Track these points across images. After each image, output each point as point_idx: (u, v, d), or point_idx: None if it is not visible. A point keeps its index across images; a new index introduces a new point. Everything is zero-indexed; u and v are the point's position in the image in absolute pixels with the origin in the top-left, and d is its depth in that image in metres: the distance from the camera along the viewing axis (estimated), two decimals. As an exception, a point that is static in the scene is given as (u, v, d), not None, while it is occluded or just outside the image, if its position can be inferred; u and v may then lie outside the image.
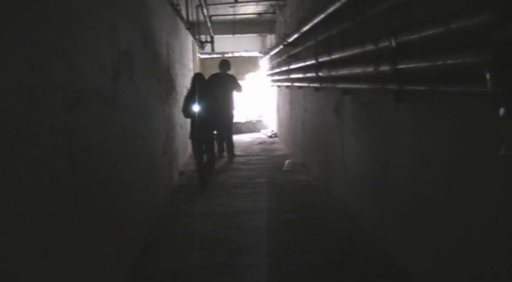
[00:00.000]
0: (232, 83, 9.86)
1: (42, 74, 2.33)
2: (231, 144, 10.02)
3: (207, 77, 8.18)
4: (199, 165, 7.32)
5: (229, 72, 9.97)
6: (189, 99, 7.27)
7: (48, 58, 2.41)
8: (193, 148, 7.40)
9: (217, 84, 9.14)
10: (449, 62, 2.65)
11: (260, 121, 16.00)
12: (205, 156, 7.57)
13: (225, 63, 9.94)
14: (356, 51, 4.31)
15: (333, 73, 5.24)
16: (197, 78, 7.53)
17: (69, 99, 2.69)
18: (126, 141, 4.04)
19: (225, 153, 10.12)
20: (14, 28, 2.05)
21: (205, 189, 7.01)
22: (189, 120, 7.42)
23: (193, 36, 11.09)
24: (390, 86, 3.59)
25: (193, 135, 7.31)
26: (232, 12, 12.05)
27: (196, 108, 7.13)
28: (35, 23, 2.27)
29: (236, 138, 11.30)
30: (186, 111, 7.30)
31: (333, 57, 5.17)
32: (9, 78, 2.00)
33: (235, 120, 10.61)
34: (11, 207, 1.97)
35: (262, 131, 14.80)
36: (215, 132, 8.30)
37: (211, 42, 12.87)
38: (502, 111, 2.10)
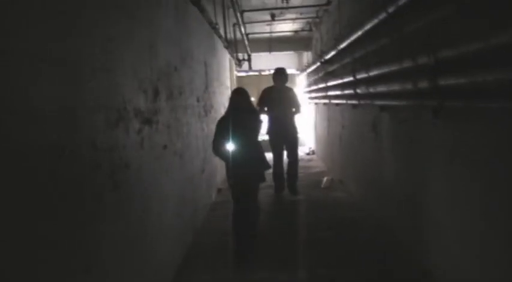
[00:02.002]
0: (292, 99, 7.78)
1: (85, 93, 2.40)
2: (295, 176, 7.77)
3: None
4: (237, 227, 4.95)
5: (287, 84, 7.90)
6: (225, 129, 4.83)
7: (91, 78, 2.49)
8: (234, 201, 5.05)
9: (276, 100, 7.55)
10: (489, 78, 2.61)
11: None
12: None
13: (281, 73, 7.70)
14: (394, 67, 4.29)
15: (371, 90, 5.22)
16: (240, 95, 5.16)
17: (111, 118, 2.76)
18: (165, 158, 4.10)
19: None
20: (58, 48, 2.13)
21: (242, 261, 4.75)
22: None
23: (231, 54, 11.22)
24: (429, 102, 3.55)
25: (235, 182, 4.96)
26: (268, 30, 12.15)
27: (235, 144, 4.83)
28: (79, 43, 2.35)
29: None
30: (218, 148, 4.92)
31: (371, 74, 5.15)
32: (53, 97, 2.07)
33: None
34: (53, 224, 2.03)
35: (299, 147, 14.75)
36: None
37: (249, 60, 12.97)
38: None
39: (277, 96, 7.57)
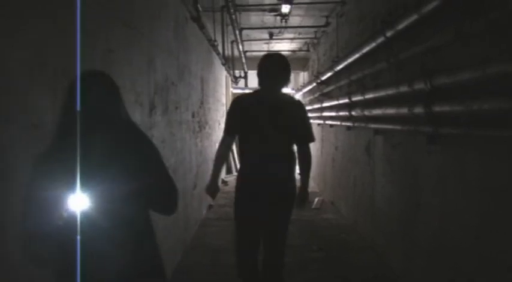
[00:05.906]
0: (296, 121, 3.69)
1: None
2: (281, 261, 3.58)
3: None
4: None
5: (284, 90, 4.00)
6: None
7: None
8: None
9: (258, 120, 3.47)
10: (485, 107, 2.63)
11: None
12: None
13: (277, 64, 3.72)
14: (390, 91, 4.31)
15: (366, 113, 5.24)
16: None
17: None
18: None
19: None
20: (56, 59, 2.13)
21: None
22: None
23: (228, 70, 11.26)
24: (424, 128, 3.57)
25: None
26: (266, 49, 12.22)
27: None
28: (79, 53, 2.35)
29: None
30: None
31: (367, 97, 5.18)
32: (51, 109, 2.06)
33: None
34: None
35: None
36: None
37: (245, 77, 13.02)
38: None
39: (263, 112, 3.50)
